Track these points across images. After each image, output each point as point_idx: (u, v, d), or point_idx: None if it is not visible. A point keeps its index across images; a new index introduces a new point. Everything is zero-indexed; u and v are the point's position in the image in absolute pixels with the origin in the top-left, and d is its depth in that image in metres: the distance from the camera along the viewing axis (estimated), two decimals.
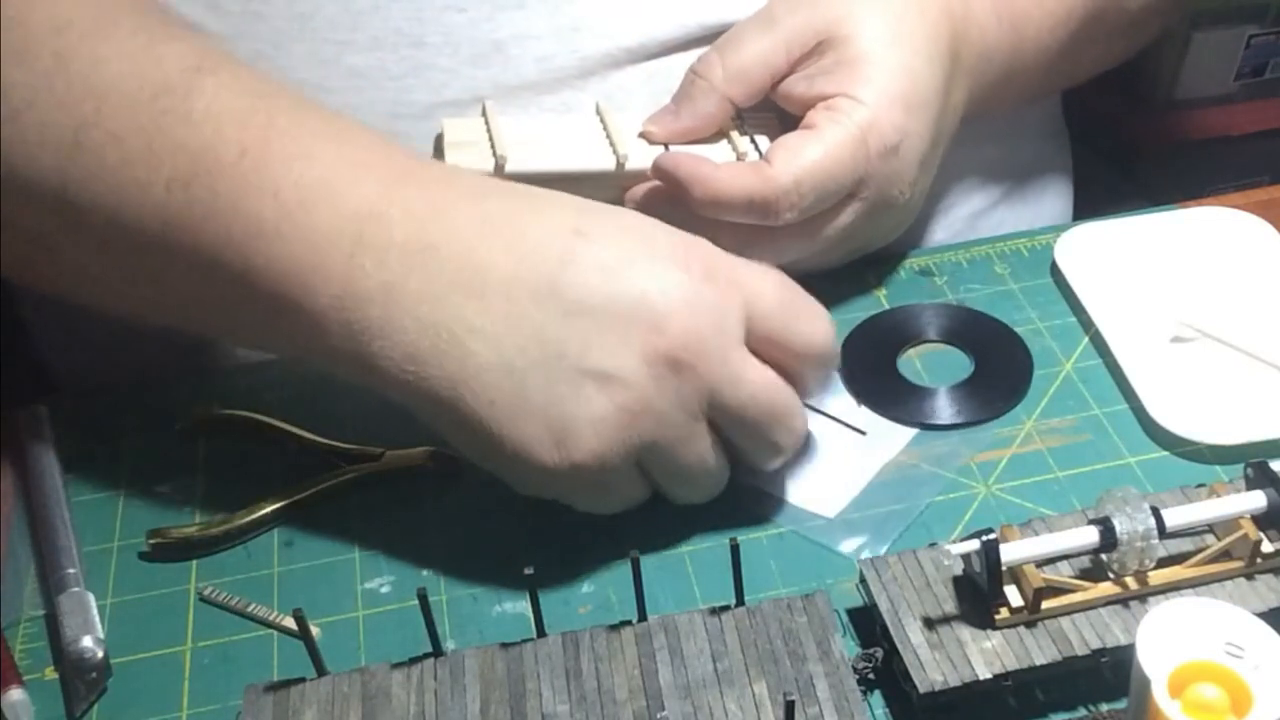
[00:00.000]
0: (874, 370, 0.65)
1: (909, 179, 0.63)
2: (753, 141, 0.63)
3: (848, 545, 0.57)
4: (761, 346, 0.54)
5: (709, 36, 0.65)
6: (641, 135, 0.63)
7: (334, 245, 0.51)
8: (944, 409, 0.62)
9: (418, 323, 0.51)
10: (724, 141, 0.64)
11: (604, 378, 0.51)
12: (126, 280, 0.55)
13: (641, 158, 0.62)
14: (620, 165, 0.61)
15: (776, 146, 0.60)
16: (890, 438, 0.62)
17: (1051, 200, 0.83)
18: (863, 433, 0.62)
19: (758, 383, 0.53)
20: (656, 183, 0.61)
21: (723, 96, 0.62)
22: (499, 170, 0.61)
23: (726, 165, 0.60)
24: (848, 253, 0.66)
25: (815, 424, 0.62)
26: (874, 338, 0.66)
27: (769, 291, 0.54)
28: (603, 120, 0.63)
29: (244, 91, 0.53)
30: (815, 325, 0.55)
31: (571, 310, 0.51)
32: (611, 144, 0.62)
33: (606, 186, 0.62)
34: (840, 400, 0.63)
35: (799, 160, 0.59)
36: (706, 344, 0.52)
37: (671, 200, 0.60)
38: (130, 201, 0.52)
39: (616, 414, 0.51)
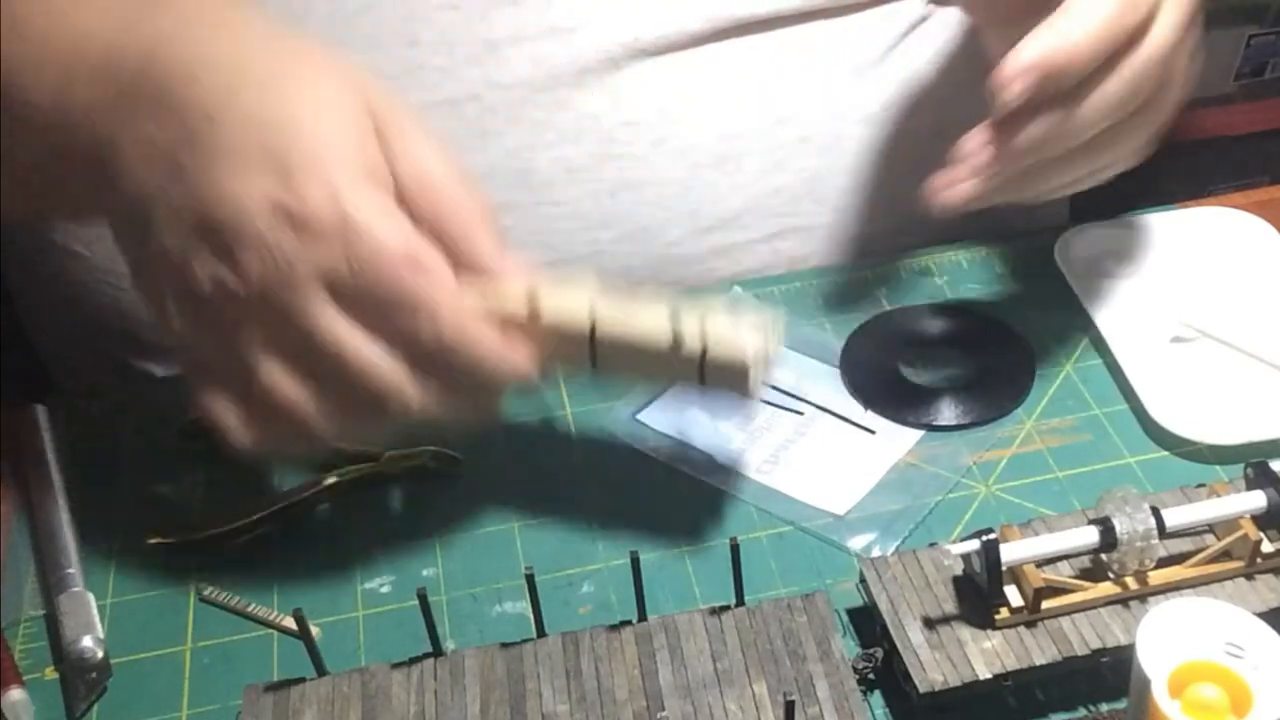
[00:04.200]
0: (876, 372, 0.65)
1: (1184, 44, 0.55)
2: None
3: (856, 542, 0.57)
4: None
5: (706, 36, 0.65)
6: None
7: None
8: (948, 410, 0.62)
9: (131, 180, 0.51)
10: None
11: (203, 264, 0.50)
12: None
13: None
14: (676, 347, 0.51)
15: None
16: (898, 437, 0.62)
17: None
18: (872, 431, 0.62)
19: (340, 347, 0.49)
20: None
21: None
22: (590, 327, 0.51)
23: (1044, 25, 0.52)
24: (1092, 172, 0.58)
25: (824, 423, 0.62)
26: (875, 339, 0.66)
27: (357, 265, 0.48)
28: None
29: None
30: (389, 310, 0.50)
31: (181, 207, 0.49)
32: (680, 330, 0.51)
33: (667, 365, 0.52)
34: (848, 403, 0.63)
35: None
36: (283, 296, 0.49)
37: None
38: None
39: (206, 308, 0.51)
